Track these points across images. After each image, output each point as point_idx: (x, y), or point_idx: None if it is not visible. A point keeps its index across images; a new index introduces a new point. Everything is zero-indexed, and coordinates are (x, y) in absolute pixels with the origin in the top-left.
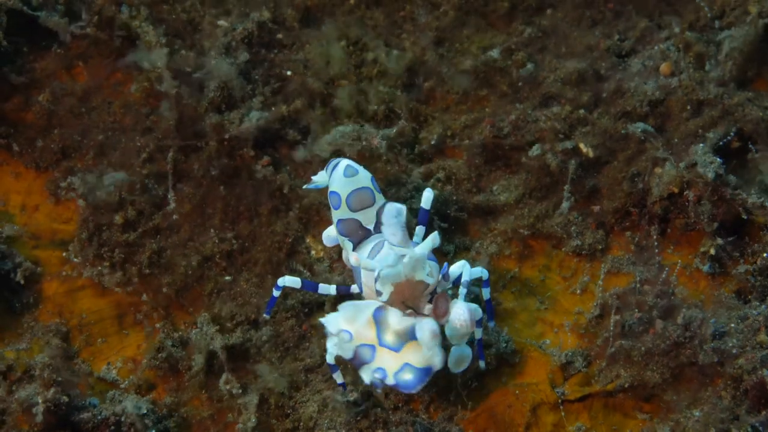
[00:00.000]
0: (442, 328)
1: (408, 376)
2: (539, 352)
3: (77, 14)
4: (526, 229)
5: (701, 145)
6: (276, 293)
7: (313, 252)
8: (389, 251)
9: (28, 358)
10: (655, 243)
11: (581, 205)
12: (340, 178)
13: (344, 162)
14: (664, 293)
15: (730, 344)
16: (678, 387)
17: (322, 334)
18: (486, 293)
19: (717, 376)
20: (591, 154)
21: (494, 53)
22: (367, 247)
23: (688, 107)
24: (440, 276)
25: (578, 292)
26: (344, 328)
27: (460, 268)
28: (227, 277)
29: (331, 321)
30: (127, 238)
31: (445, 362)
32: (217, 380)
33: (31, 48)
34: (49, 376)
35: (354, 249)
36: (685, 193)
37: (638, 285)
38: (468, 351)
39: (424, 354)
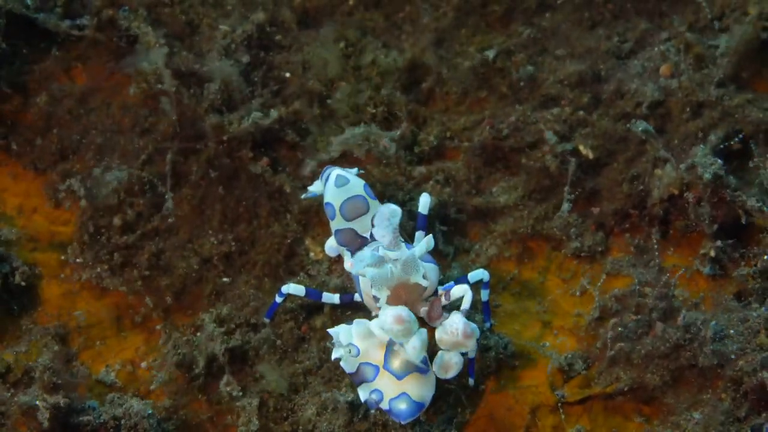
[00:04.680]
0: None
1: (402, 406)
2: (539, 354)
3: (75, 16)
4: (526, 230)
5: (701, 146)
6: (279, 299)
7: (312, 254)
8: (367, 250)
9: (26, 360)
10: (656, 245)
11: (581, 206)
12: (332, 188)
13: (335, 172)
14: (664, 295)
15: (730, 346)
16: (678, 389)
17: (321, 336)
18: (485, 295)
19: (717, 378)
20: (591, 156)
21: (489, 54)
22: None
23: (688, 109)
24: (441, 291)
25: (578, 294)
26: (355, 343)
27: (462, 292)
28: (225, 279)
29: (343, 333)
30: (126, 241)
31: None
32: (216, 382)
33: (30, 50)
34: (49, 379)
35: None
36: (685, 194)
37: (638, 287)
38: (458, 358)
39: (405, 356)
